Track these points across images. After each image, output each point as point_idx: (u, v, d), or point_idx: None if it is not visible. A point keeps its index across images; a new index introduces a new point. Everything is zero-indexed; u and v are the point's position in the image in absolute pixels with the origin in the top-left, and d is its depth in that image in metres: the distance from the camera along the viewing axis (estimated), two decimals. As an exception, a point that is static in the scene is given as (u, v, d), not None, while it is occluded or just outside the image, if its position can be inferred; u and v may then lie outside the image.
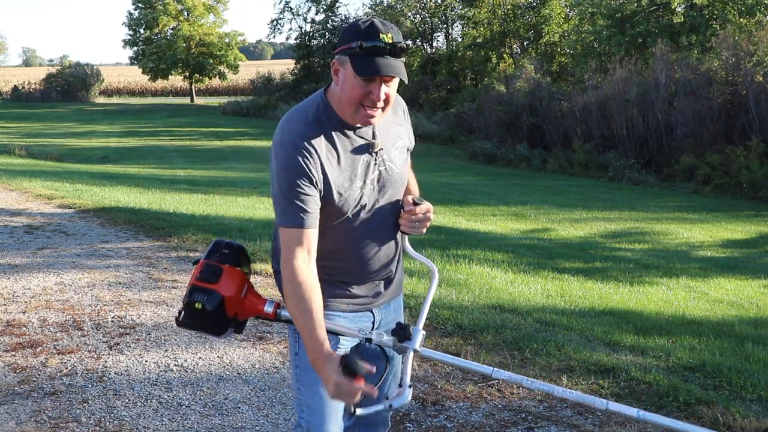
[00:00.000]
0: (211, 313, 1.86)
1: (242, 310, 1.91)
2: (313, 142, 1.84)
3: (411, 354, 1.83)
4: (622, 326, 4.87)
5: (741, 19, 21.84)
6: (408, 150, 2.09)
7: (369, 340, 1.87)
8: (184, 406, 3.44)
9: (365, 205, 1.94)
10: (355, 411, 1.74)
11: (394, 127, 2.04)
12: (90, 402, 3.47)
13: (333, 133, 1.88)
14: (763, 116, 17.17)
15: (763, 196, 15.62)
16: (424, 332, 1.89)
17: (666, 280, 7.43)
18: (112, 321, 4.64)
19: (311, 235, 1.84)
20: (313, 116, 1.89)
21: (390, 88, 1.84)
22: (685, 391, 3.44)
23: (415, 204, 2.00)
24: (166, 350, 4.14)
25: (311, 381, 1.96)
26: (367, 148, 1.93)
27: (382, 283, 2.09)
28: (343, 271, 2.00)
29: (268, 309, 1.87)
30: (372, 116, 1.85)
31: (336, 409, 2.00)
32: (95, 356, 4.03)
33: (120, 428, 3.22)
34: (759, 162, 15.97)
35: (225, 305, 1.87)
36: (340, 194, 1.88)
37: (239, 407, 3.44)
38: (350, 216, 1.92)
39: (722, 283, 7.46)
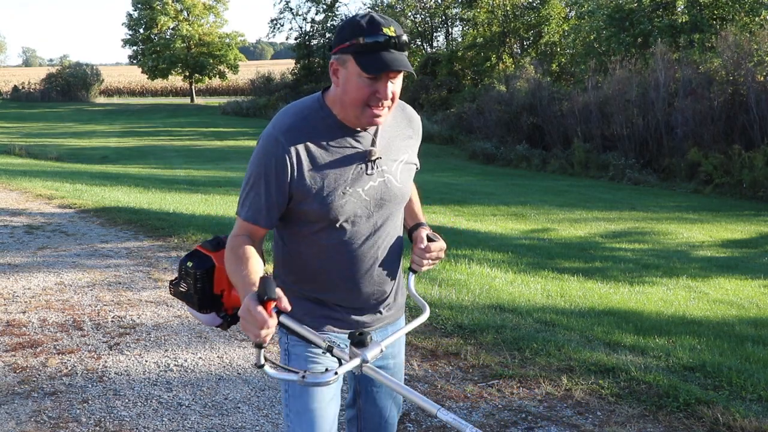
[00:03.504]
0: (197, 278, 1.82)
1: (229, 293, 1.88)
2: (295, 138, 1.76)
3: (358, 360, 1.72)
4: (622, 326, 4.86)
5: (745, 18, 21.79)
6: (415, 166, 1.98)
7: (330, 350, 1.76)
8: (184, 406, 3.44)
9: (356, 215, 1.84)
10: (263, 366, 1.60)
11: (401, 140, 1.92)
12: (90, 402, 3.46)
13: (324, 134, 1.79)
14: (764, 116, 17.16)
15: (763, 196, 15.62)
16: (383, 350, 1.76)
17: (666, 280, 7.42)
18: (112, 321, 4.64)
19: (261, 232, 1.82)
20: (305, 114, 1.81)
21: (395, 85, 1.75)
22: (685, 391, 3.44)
23: (430, 241, 1.91)
24: (166, 350, 4.14)
25: (300, 408, 1.89)
26: (363, 156, 1.82)
27: (378, 306, 1.97)
28: (332, 288, 1.90)
29: None
30: (378, 115, 1.75)
31: (323, 423, 1.91)
32: (95, 356, 4.03)
33: (120, 428, 3.22)
34: (763, 162, 15.93)
35: (213, 275, 1.84)
36: (323, 198, 1.78)
37: (239, 407, 3.43)
38: (338, 226, 1.83)
39: (722, 283, 7.46)
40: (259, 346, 1.54)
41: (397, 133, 1.92)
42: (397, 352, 2.11)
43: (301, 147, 1.76)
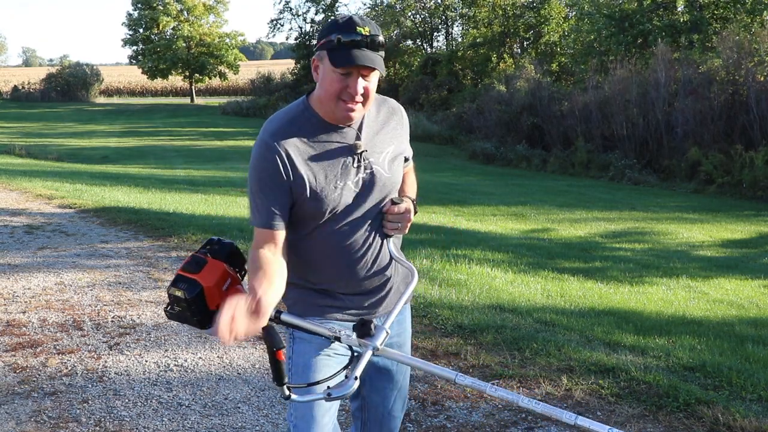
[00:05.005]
0: (190, 302, 1.86)
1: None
2: (284, 140, 1.86)
3: (369, 351, 1.78)
4: (622, 326, 4.86)
5: (746, 18, 21.78)
6: (405, 158, 2.07)
7: (338, 338, 1.82)
8: (184, 406, 3.44)
9: (348, 207, 1.92)
10: (289, 396, 1.71)
11: (386, 133, 2.01)
12: (90, 402, 3.47)
13: (310, 132, 1.89)
14: (764, 116, 17.16)
15: (763, 195, 15.62)
16: (389, 331, 1.84)
17: (666, 280, 7.42)
18: (112, 321, 4.64)
19: (278, 234, 1.90)
20: (291, 116, 1.91)
21: (369, 83, 1.83)
22: (685, 391, 3.44)
23: (394, 203, 1.98)
24: (166, 350, 4.14)
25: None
26: (349, 150, 1.91)
27: (379, 292, 2.04)
28: (333, 278, 1.98)
29: None
30: (352, 110, 1.84)
31: (324, 413, 1.97)
32: (95, 356, 4.03)
33: (120, 428, 3.22)
34: (763, 162, 15.91)
35: (205, 296, 1.88)
36: (317, 193, 1.87)
37: (239, 407, 3.44)
38: (331, 217, 1.91)
39: (722, 283, 7.46)
40: (281, 383, 1.69)
41: (382, 126, 2.00)
42: (401, 331, 2.15)
43: (290, 148, 1.86)
